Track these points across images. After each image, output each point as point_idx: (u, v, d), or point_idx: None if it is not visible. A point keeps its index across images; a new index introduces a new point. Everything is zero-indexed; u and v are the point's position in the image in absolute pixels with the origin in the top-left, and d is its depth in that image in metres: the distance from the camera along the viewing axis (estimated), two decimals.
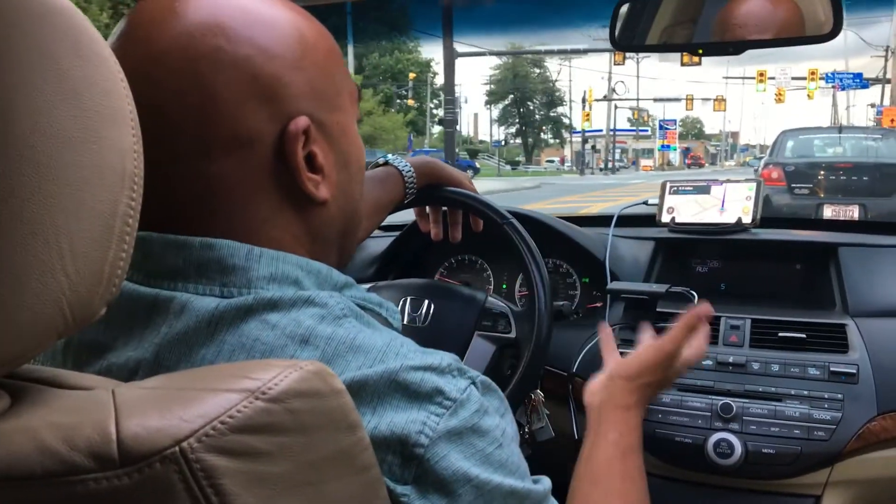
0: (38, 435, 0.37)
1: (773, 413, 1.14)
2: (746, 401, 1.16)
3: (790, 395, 1.15)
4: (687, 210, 1.52)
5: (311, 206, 0.61)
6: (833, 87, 28.61)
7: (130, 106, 0.43)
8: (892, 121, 16.51)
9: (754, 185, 1.51)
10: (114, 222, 0.40)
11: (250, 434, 0.38)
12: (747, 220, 1.48)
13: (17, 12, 0.37)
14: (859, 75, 28.58)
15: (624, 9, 1.21)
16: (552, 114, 57.60)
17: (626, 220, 1.58)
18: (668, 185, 1.57)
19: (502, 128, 58.17)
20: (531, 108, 56.89)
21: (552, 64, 52.57)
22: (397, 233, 1.56)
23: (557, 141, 60.44)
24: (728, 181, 1.54)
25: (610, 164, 45.89)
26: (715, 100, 38.89)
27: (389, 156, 1.10)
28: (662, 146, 50.29)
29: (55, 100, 0.37)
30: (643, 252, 1.49)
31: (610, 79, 45.57)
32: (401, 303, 1.18)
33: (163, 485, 0.36)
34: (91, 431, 0.36)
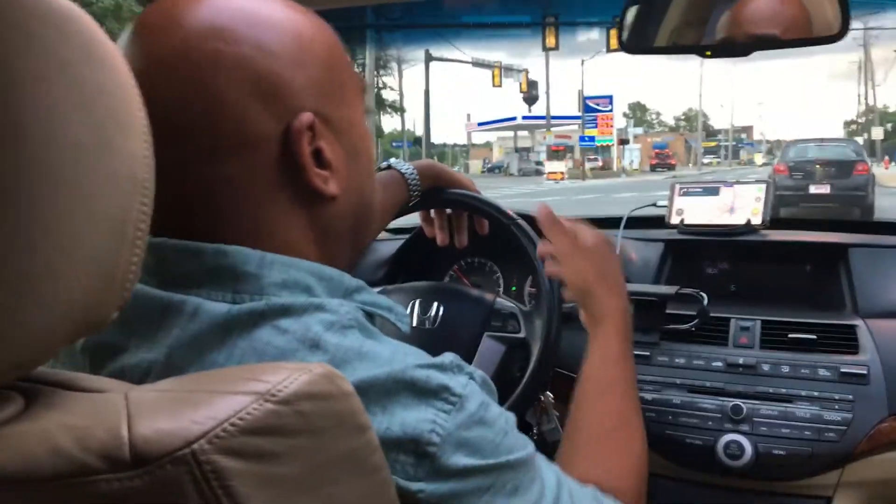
0: (51, 437, 0.37)
1: (783, 414, 1.14)
2: (757, 402, 1.16)
3: (800, 396, 1.15)
4: (696, 212, 1.52)
5: (321, 202, 0.61)
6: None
7: (141, 113, 0.43)
8: None
9: (763, 186, 1.51)
10: (125, 228, 0.41)
11: (260, 436, 0.39)
12: (757, 221, 1.47)
13: (31, 21, 0.37)
14: None
15: (632, 12, 1.21)
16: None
17: (635, 222, 1.58)
18: (678, 186, 1.57)
19: None
20: None
21: None
22: (407, 236, 1.57)
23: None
24: (737, 182, 1.54)
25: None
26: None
27: (392, 160, 1.11)
28: (583, 138, 32.10)
29: (68, 108, 0.38)
30: (653, 254, 1.49)
31: None
32: (410, 305, 1.19)
33: (174, 486, 0.36)
34: (103, 433, 0.37)
